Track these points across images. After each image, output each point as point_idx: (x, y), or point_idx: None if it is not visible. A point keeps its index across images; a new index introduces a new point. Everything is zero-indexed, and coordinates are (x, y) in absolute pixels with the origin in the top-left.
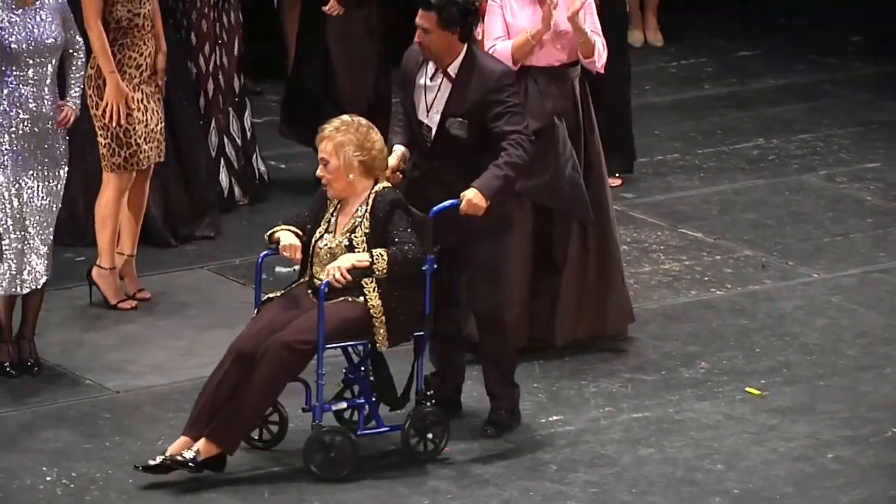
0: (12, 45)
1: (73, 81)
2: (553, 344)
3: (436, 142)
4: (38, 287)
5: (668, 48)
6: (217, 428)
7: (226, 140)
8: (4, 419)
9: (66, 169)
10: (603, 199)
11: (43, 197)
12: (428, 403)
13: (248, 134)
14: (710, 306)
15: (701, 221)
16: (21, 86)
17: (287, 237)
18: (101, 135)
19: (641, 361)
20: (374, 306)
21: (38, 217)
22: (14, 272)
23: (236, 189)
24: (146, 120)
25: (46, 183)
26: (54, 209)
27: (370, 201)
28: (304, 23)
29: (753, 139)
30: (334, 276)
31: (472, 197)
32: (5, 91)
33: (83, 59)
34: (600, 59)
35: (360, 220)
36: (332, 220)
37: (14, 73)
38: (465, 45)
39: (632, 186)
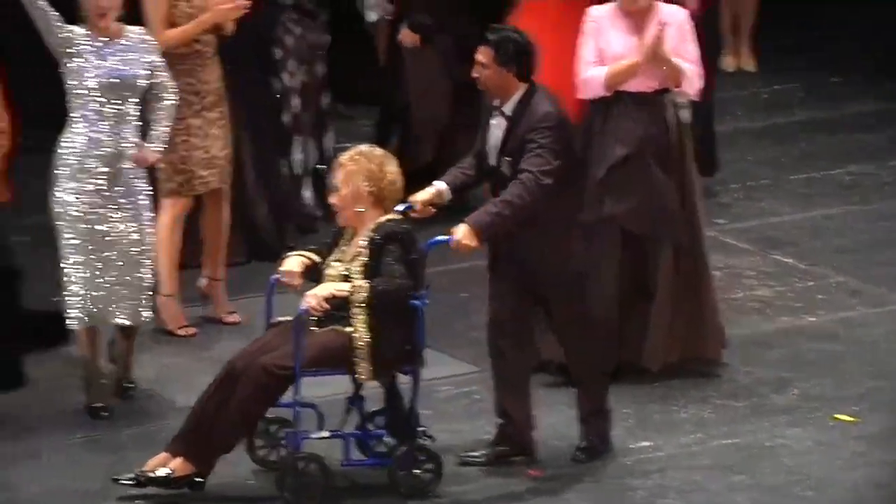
0: (92, 79)
1: (155, 122)
2: (645, 368)
3: (493, 180)
4: (119, 323)
5: (761, 73)
6: (193, 447)
7: (310, 158)
8: (96, 441)
9: (149, 208)
10: (696, 224)
11: (124, 235)
12: (421, 440)
13: (330, 154)
14: (801, 332)
15: (793, 247)
16: (99, 122)
17: (290, 263)
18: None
19: (733, 387)
20: (358, 337)
21: (117, 253)
22: (89, 306)
23: (318, 208)
24: (206, 146)
25: (126, 224)
26: (142, 246)
27: (372, 232)
28: (391, 47)
29: (845, 165)
30: (310, 303)
31: (461, 236)
32: (84, 126)
33: (171, 102)
34: (692, 86)
35: (361, 250)
36: (345, 248)
37: (93, 108)
38: (526, 85)
39: (724, 212)
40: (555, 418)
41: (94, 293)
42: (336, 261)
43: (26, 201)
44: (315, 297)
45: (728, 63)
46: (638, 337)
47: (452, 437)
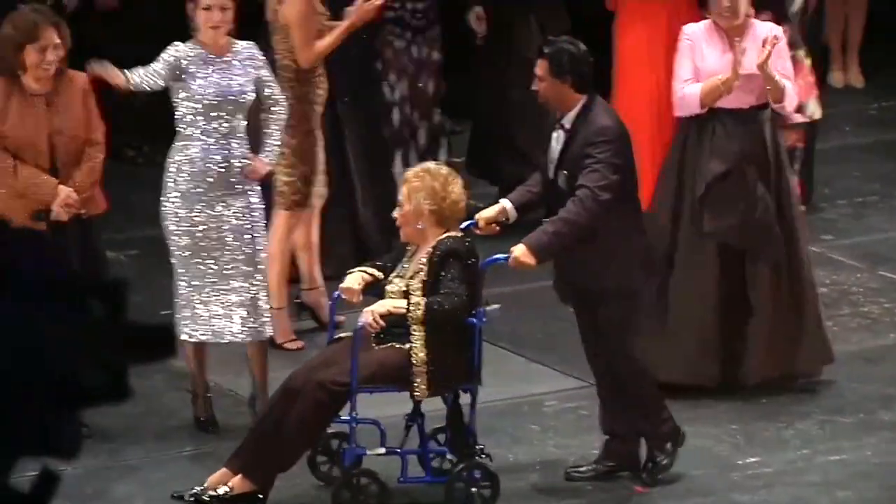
0: (200, 96)
1: (267, 136)
2: (744, 383)
3: (551, 195)
4: (223, 340)
5: (869, 89)
6: (252, 464)
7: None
8: (204, 455)
9: (262, 221)
10: (795, 240)
11: (237, 249)
12: (479, 458)
13: None
14: None
15: None
16: (208, 137)
17: (349, 280)
18: (286, 173)
19: (840, 403)
20: (416, 355)
21: (231, 267)
22: (200, 320)
23: None
24: (321, 157)
25: (239, 238)
26: (256, 260)
27: (432, 249)
28: (486, 58)
29: None
30: (367, 320)
31: (520, 254)
32: (192, 141)
33: (282, 114)
34: (791, 104)
35: (422, 266)
36: (407, 264)
37: (201, 124)
38: (584, 98)
39: (831, 228)
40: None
41: (205, 308)
42: (398, 277)
43: (136, 214)
44: (371, 313)
45: (836, 79)
46: (737, 352)
47: (559, 451)
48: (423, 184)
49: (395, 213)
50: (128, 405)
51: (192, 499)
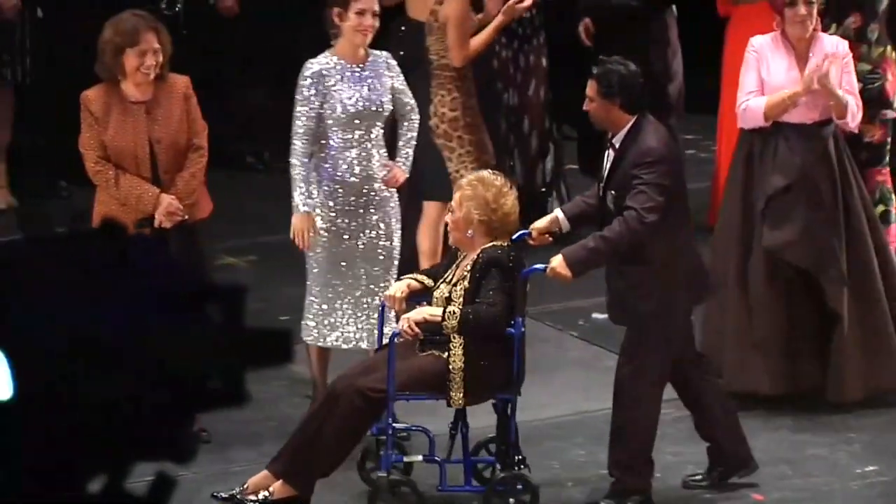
0: (338, 108)
1: (402, 143)
2: (829, 399)
3: (601, 213)
4: (351, 346)
5: None
6: (292, 469)
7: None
8: None
9: (399, 228)
10: (865, 254)
11: (373, 258)
12: (518, 468)
13: (548, 178)
14: None
15: None
16: (347, 149)
17: (394, 287)
18: (474, 168)
19: None
20: (453, 363)
21: (365, 276)
22: (328, 325)
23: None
24: None
25: (376, 246)
26: (391, 268)
27: (476, 258)
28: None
29: None
30: (402, 326)
31: (556, 265)
32: (332, 153)
33: (415, 123)
34: (854, 119)
35: (466, 274)
36: (454, 271)
37: (341, 134)
38: (634, 118)
39: None
40: (774, 442)
41: (336, 314)
42: (444, 283)
43: (255, 220)
44: (407, 320)
45: None
46: (817, 366)
47: (676, 459)
48: (475, 192)
49: (446, 217)
50: (247, 411)
51: (232, 496)
